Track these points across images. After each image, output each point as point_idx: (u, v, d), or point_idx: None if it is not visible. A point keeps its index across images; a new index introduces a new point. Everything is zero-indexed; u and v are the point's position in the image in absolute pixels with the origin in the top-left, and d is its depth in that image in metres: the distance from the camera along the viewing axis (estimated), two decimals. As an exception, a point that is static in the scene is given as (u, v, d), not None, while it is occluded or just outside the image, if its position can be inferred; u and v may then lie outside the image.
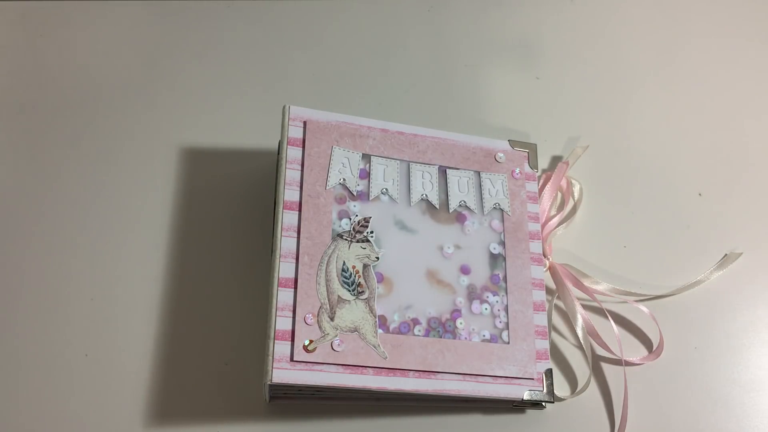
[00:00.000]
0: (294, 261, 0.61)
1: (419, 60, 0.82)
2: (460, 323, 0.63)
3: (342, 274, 0.62)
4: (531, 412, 0.65)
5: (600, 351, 0.68)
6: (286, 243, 0.62)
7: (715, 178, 0.77)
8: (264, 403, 0.63)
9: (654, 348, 0.68)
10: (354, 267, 0.62)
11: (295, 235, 0.62)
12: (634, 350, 0.69)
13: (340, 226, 0.63)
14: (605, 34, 0.85)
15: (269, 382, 0.58)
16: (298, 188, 0.64)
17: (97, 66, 0.78)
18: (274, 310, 0.59)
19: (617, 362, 0.67)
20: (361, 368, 0.59)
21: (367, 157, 0.67)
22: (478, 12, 0.85)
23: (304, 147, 0.65)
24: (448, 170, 0.68)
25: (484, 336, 0.63)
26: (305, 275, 0.61)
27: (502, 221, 0.68)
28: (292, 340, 0.59)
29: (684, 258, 0.73)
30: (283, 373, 0.58)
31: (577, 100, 0.80)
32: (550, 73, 0.82)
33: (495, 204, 0.68)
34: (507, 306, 0.65)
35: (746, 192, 0.77)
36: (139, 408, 0.63)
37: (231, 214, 0.71)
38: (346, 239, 0.63)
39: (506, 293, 0.65)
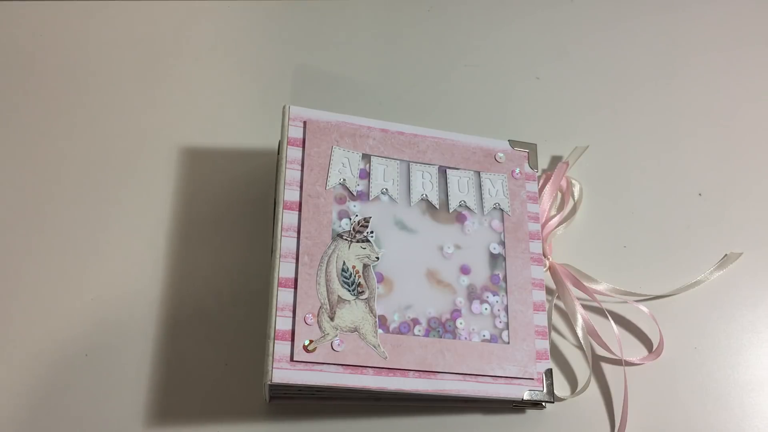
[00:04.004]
0: (294, 261, 0.61)
1: (419, 60, 0.82)
2: (460, 323, 0.63)
3: (342, 274, 0.62)
4: (531, 412, 0.65)
5: (600, 351, 0.68)
6: (286, 243, 0.62)
7: (715, 178, 0.77)
8: (264, 403, 0.63)
9: (654, 348, 0.68)
10: (354, 267, 0.62)
11: (295, 235, 0.62)
12: (634, 350, 0.69)
13: (340, 226, 0.63)
14: (605, 34, 0.85)
15: (269, 382, 0.58)
16: (298, 188, 0.64)
17: (97, 66, 0.78)
18: (274, 310, 0.59)
19: (617, 362, 0.67)
20: (361, 368, 0.59)
21: (367, 157, 0.66)
22: (478, 12, 0.85)
23: (304, 147, 0.65)
24: (448, 170, 0.68)
25: (484, 336, 0.63)
26: (305, 275, 0.61)
27: (502, 221, 0.68)
28: (292, 340, 0.59)
29: (684, 258, 0.73)
30: (283, 373, 0.58)
31: (577, 100, 0.80)
32: (550, 73, 0.82)
33: (495, 204, 0.68)
34: (507, 306, 0.65)
35: (746, 192, 0.77)
36: (139, 408, 0.63)
37: (231, 214, 0.71)
38: (346, 239, 0.63)
39: (506, 293, 0.65)
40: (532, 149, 0.71)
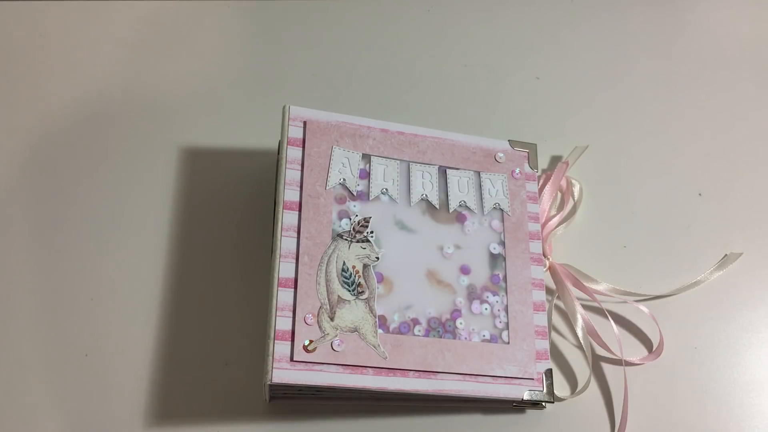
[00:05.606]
0: (294, 261, 0.61)
1: (419, 60, 0.82)
2: (460, 323, 0.63)
3: (342, 274, 0.62)
4: (531, 412, 0.65)
5: (600, 351, 0.68)
6: (286, 243, 0.62)
7: (715, 178, 0.77)
8: (264, 403, 0.63)
9: (654, 348, 0.68)
10: (354, 267, 0.62)
11: (295, 235, 0.62)
12: (634, 350, 0.69)
13: (340, 226, 0.63)
14: (605, 34, 0.85)
15: (269, 382, 0.58)
16: (298, 188, 0.64)
17: (97, 66, 0.78)
18: (274, 310, 0.59)
19: (617, 362, 0.67)
20: (361, 368, 0.59)
21: (367, 157, 0.66)
22: (478, 12, 0.85)
23: (304, 147, 0.65)
24: (448, 170, 0.68)
25: (484, 336, 0.63)
26: (305, 275, 0.61)
27: (502, 221, 0.68)
28: (292, 340, 0.59)
29: (684, 258, 0.73)
30: (283, 373, 0.58)
31: (577, 100, 0.80)
32: (550, 73, 0.82)
33: (495, 204, 0.68)
34: (507, 306, 0.65)
35: (746, 192, 0.77)
36: (139, 408, 0.63)
37: (231, 214, 0.71)
38: (346, 239, 0.63)
39: (506, 293, 0.65)
40: (532, 149, 0.71)
